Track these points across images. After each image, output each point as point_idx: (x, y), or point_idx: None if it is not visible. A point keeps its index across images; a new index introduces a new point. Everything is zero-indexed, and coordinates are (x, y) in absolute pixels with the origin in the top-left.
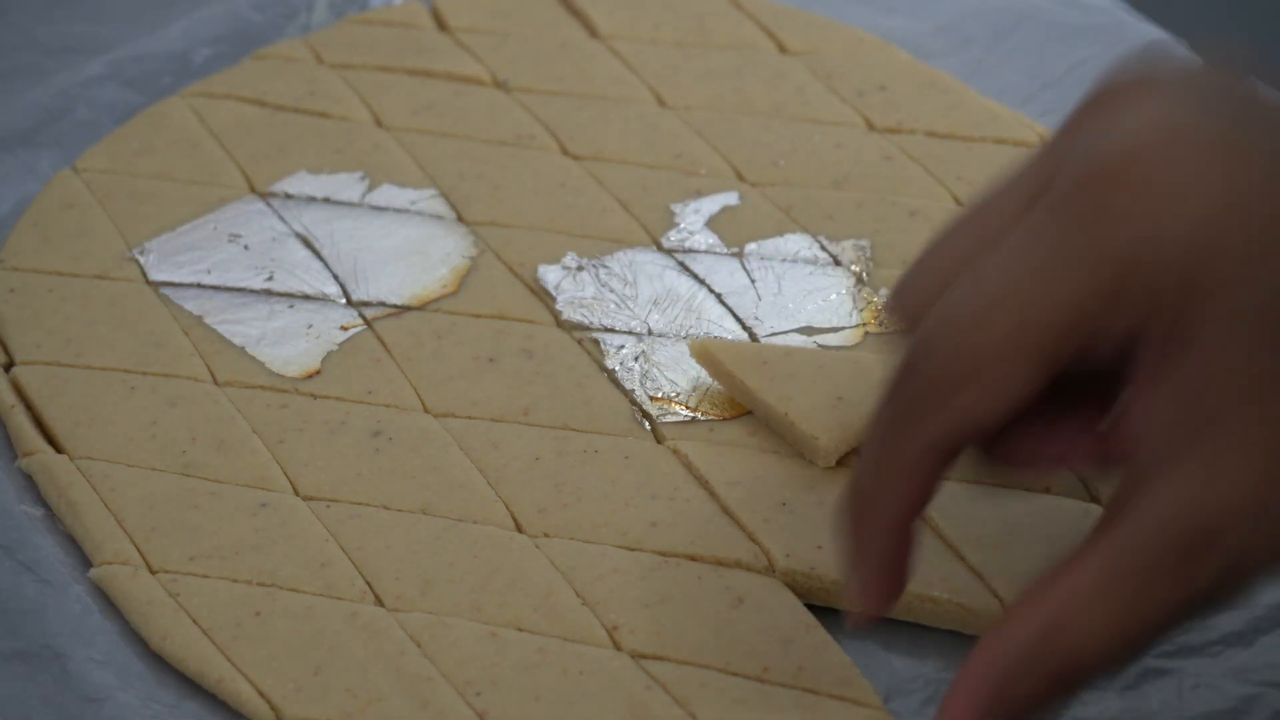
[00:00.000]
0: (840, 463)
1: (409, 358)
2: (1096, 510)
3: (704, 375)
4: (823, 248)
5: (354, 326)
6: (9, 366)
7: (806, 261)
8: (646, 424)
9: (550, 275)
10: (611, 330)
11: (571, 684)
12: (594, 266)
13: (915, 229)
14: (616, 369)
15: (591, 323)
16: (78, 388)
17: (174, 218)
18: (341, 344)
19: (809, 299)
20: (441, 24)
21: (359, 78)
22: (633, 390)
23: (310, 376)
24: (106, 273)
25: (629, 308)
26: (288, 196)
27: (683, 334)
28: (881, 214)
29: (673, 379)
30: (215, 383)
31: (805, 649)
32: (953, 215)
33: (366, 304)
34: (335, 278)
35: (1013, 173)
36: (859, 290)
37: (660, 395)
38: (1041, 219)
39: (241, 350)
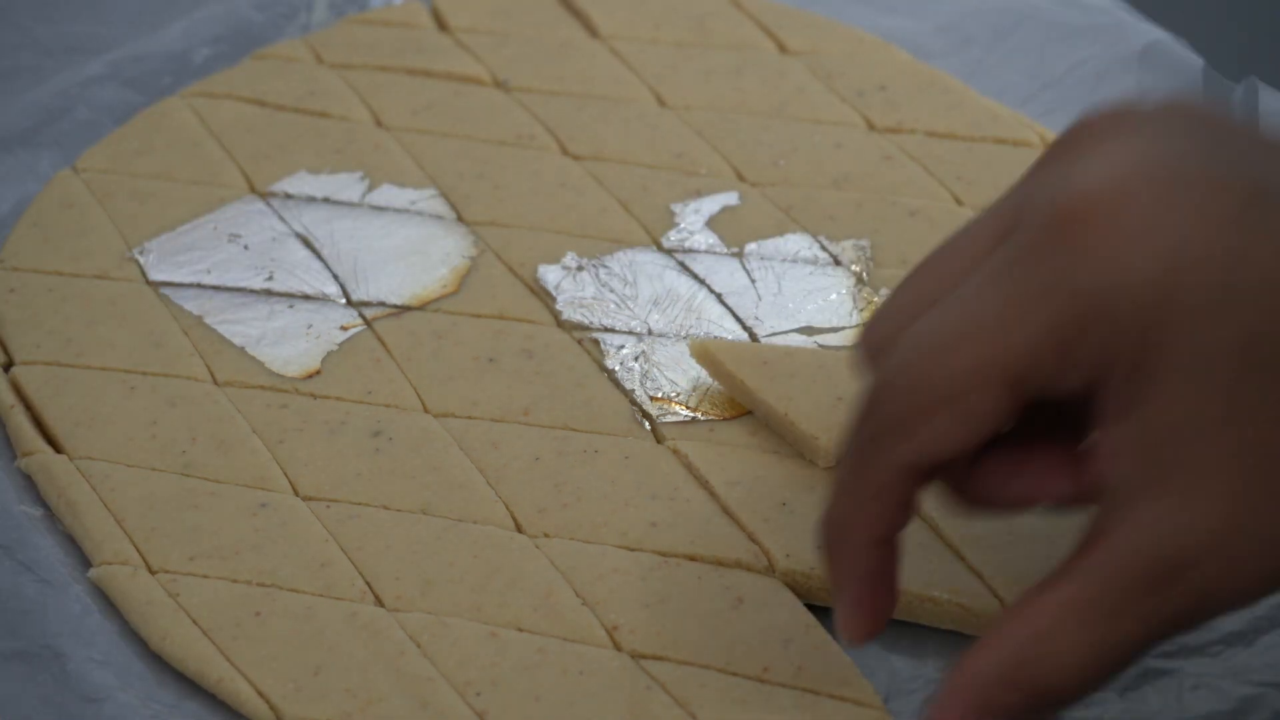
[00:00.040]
0: None
1: (409, 358)
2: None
3: (704, 375)
4: (823, 248)
5: (354, 326)
6: (9, 366)
7: (806, 261)
8: (646, 424)
9: (550, 275)
10: (611, 330)
11: (571, 684)
12: (594, 266)
13: (915, 229)
14: (616, 369)
15: (591, 323)
16: (78, 388)
17: (174, 218)
18: (341, 344)
19: (809, 299)
20: (441, 24)
21: (359, 78)
22: (633, 390)
23: (310, 376)
24: (106, 273)
25: (629, 308)
26: (288, 196)
27: (683, 334)
28: (881, 214)
29: (673, 379)
30: (215, 383)
31: (805, 649)
32: (927, 253)
33: (366, 304)
34: (335, 278)
35: (982, 212)
36: (859, 290)
37: (660, 395)
38: (1009, 256)
39: (241, 350)
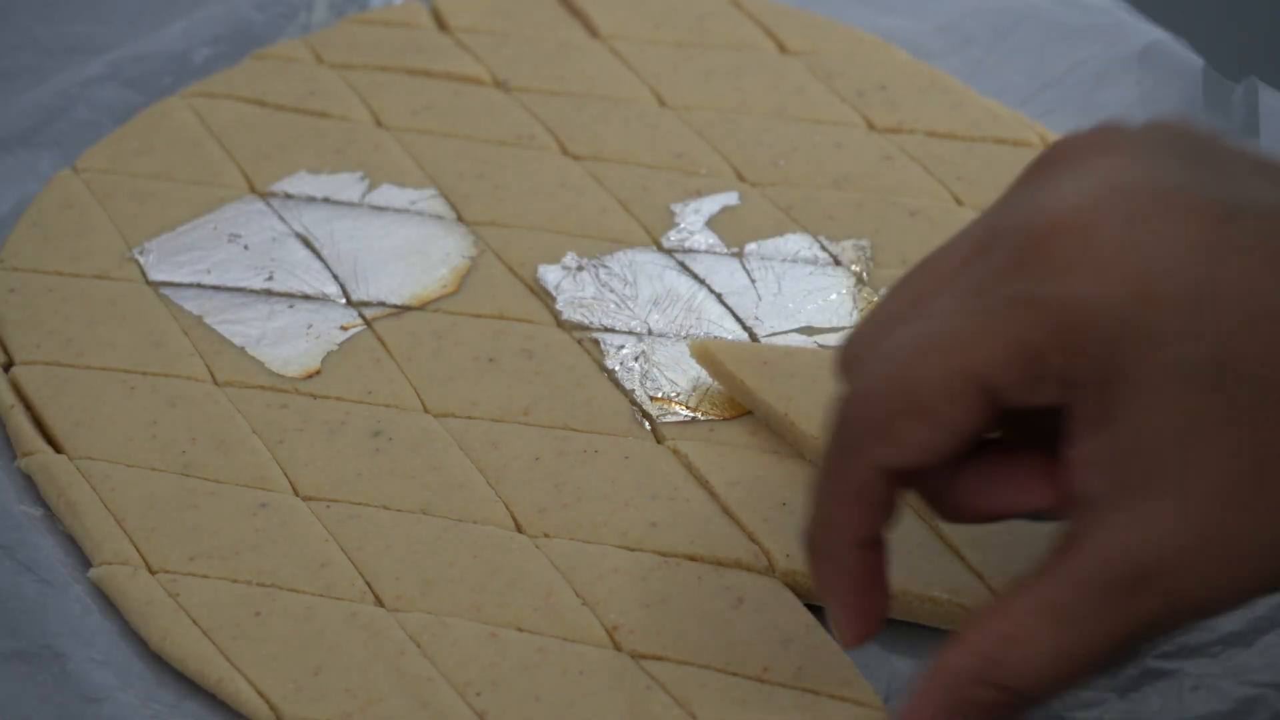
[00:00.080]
0: None
1: (409, 358)
2: None
3: (704, 375)
4: (823, 248)
5: (354, 326)
6: (9, 366)
7: (806, 261)
8: (646, 424)
9: (550, 275)
10: (611, 330)
11: (571, 684)
12: (594, 266)
13: (915, 229)
14: (616, 369)
15: (591, 323)
16: (78, 388)
17: (174, 218)
18: (341, 344)
19: (809, 299)
20: (441, 24)
21: (359, 78)
22: (633, 390)
23: (310, 376)
24: (106, 273)
25: (629, 308)
26: (288, 196)
27: (683, 334)
28: (881, 214)
29: (673, 379)
30: (215, 383)
31: (805, 649)
32: (927, 254)
33: (366, 304)
34: (335, 278)
35: (959, 233)
36: (859, 290)
37: (660, 395)
38: (983, 271)
39: (241, 350)
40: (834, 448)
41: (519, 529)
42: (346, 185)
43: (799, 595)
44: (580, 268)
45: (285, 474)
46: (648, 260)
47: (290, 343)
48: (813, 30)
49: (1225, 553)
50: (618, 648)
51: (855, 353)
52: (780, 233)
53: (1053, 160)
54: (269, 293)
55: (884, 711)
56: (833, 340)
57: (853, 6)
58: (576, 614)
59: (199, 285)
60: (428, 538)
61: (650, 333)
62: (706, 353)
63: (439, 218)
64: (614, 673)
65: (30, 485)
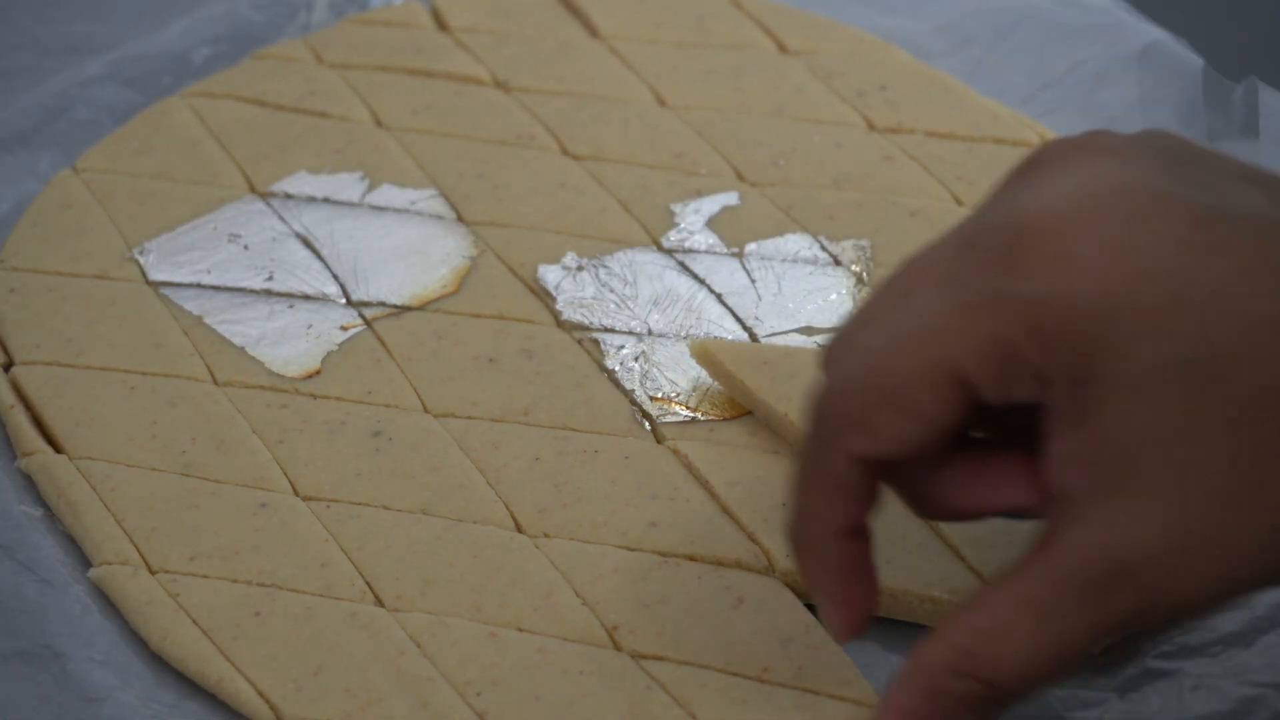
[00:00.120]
0: None
1: (409, 358)
2: None
3: (704, 375)
4: (823, 248)
5: (354, 326)
6: (9, 366)
7: (806, 261)
8: (646, 424)
9: (550, 275)
10: (611, 330)
11: (571, 684)
12: (594, 266)
13: (915, 229)
14: (616, 369)
15: (591, 323)
16: (78, 388)
17: (174, 218)
18: (341, 344)
19: (809, 299)
20: (441, 24)
21: (359, 78)
22: (633, 390)
23: (310, 376)
24: (106, 273)
25: (629, 308)
26: (288, 196)
27: (683, 334)
28: (881, 214)
29: (673, 379)
30: (215, 383)
31: (805, 649)
32: (900, 263)
33: (366, 304)
34: (335, 278)
35: (946, 231)
36: (859, 290)
37: (660, 395)
38: (964, 267)
39: (241, 350)
40: (811, 439)
41: (519, 529)
42: (346, 185)
43: (799, 595)
44: (580, 268)
45: (285, 474)
46: (648, 260)
47: (290, 343)
48: (813, 30)
49: (1202, 551)
50: (618, 648)
51: (837, 346)
52: (780, 233)
53: (1038, 162)
54: (269, 293)
55: None
56: None
57: (853, 6)
58: (576, 614)
59: (199, 285)
60: (428, 538)
61: (650, 333)
62: (706, 353)
63: (439, 218)
64: (614, 673)
65: (30, 485)
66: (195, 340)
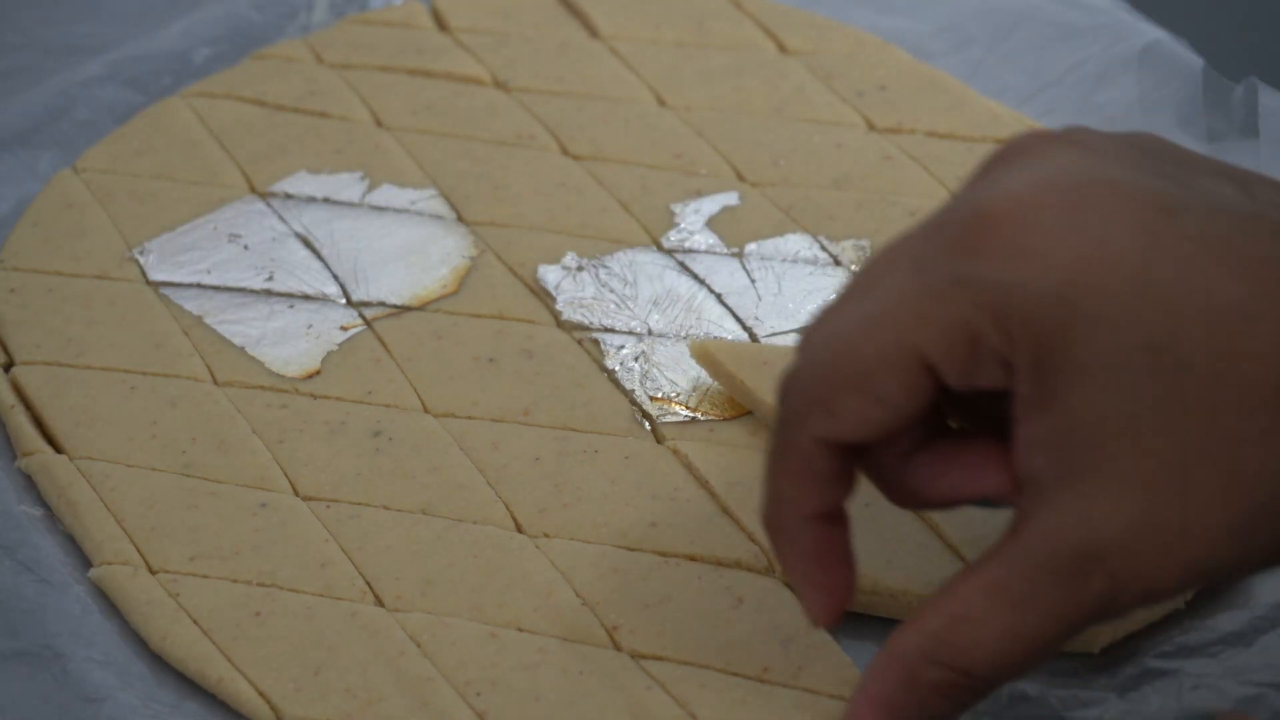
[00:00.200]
0: None
1: (409, 358)
2: None
3: (704, 375)
4: (823, 248)
5: (354, 326)
6: (9, 366)
7: (806, 261)
8: (646, 424)
9: (550, 275)
10: (611, 330)
11: (571, 684)
12: (594, 266)
13: None
14: (616, 369)
15: (591, 323)
16: (78, 388)
17: (174, 218)
18: (341, 344)
19: (809, 299)
20: (441, 24)
21: (359, 78)
22: (633, 390)
23: (310, 376)
24: (106, 273)
25: (629, 308)
26: (288, 196)
27: (683, 334)
28: (881, 214)
29: (673, 379)
30: (215, 383)
31: (805, 649)
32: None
33: (366, 304)
34: (335, 278)
35: (919, 220)
36: None
37: (660, 395)
38: (930, 253)
39: (241, 350)
40: (780, 422)
41: (519, 529)
42: (346, 185)
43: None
44: (580, 268)
45: (285, 474)
46: (648, 260)
47: (290, 343)
48: (813, 30)
49: (1169, 537)
50: (618, 648)
51: (810, 330)
52: (780, 233)
53: (1008, 153)
54: (269, 293)
55: None
56: None
57: (853, 6)
58: (576, 614)
59: (199, 285)
60: (428, 538)
61: (650, 333)
62: (706, 353)
63: (439, 218)
64: (614, 673)
65: (30, 485)
66: (195, 340)
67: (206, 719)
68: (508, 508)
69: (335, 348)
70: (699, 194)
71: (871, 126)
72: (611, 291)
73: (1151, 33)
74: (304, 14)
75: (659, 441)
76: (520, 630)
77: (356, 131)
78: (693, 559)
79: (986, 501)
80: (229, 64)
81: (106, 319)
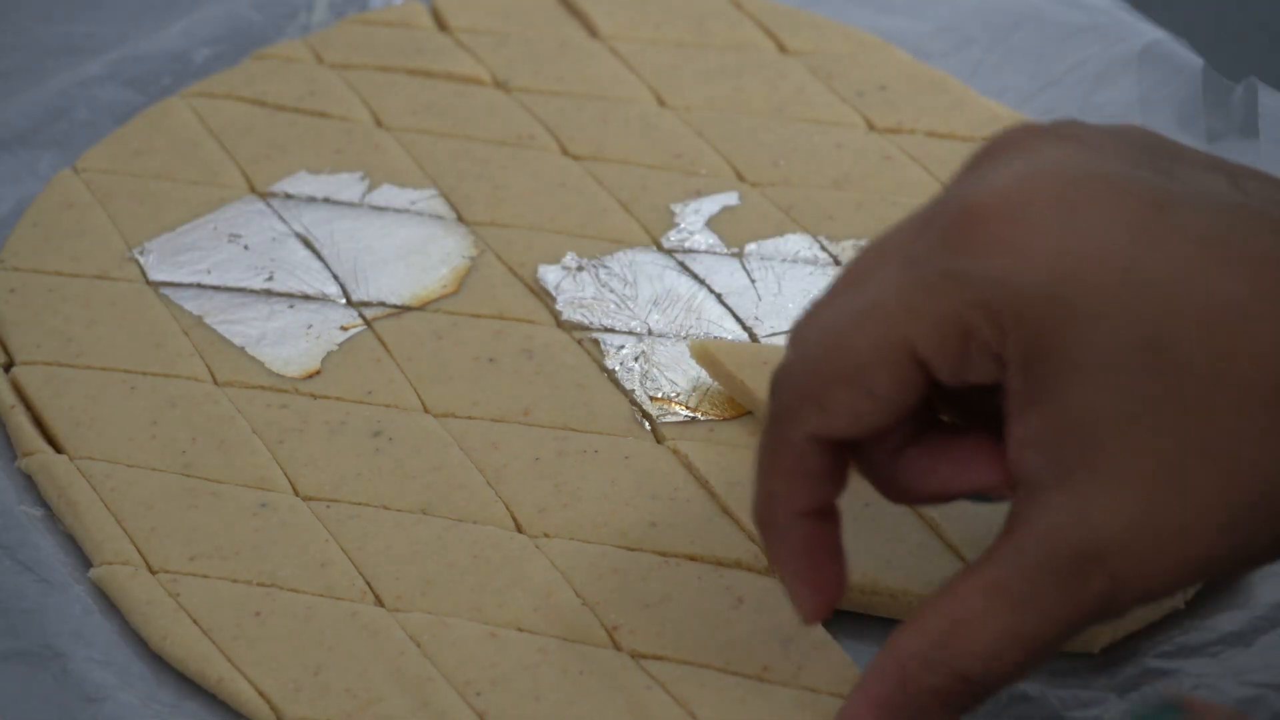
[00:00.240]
0: None
1: (409, 358)
2: None
3: (704, 375)
4: (823, 248)
5: (354, 326)
6: (9, 366)
7: (806, 261)
8: (646, 424)
9: (550, 275)
10: (611, 330)
11: (571, 684)
12: (594, 266)
13: None
14: (616, 369)
15: (591, 323)
16: (78, 388)
17: (174, 218)
18: (341, 344)
19: (809, 299)
20: (441, 24)
21: (359, 78)
22: (633, 390)
23: (310, 376)
24: (106, 273)
25: (629, 308)
26: (288, 196)
27: (683, 334)
28: (881, 214)
29: (673, 379)
30: (215, 383)
31: (805, 649)
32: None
33: (366, 304)
34: (335, 278)
35: (910, 213)
36: None
37: (660, 395)
38: (921, 246)
39: (241, 350)
40: (771, 418)
41: (519, 529)
42: (346, 185)
43: None
44: (580, 268)
45: (285, 474)
46: (648, 260)
47: (290, 343)
48: (813, 30)
49: (1169, 536)
50: (618, 648)
51: (801, 324)
52: (780, 233)
53: (999, 147)
54: (269, 293)
55: None
56: None
57: (853, 6)
58: (576, 614)
59: (199, 285)
60: (428, 538)
61: (650, 333)
62: (706, 353)
63: (439, 218)
64: (614, 672)
65: (30, 485)
66: (195, 340)
67: (206, 719)
68: (508, 508)
69: (335, 348)
70: (699, 194)
71: (871, 126)
72: (611, 291)
73: (1151, 33)
74: (304, 14)
75: (659, 441)
76: (520, 630)
77: (356, 131)
78: (693, 559)
79: (979, 495)
80: (229, 64)
81: (106, 319)
